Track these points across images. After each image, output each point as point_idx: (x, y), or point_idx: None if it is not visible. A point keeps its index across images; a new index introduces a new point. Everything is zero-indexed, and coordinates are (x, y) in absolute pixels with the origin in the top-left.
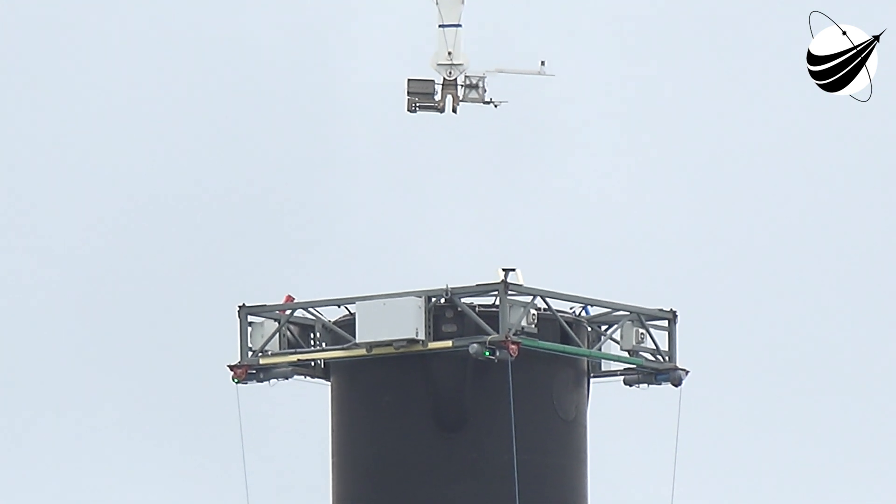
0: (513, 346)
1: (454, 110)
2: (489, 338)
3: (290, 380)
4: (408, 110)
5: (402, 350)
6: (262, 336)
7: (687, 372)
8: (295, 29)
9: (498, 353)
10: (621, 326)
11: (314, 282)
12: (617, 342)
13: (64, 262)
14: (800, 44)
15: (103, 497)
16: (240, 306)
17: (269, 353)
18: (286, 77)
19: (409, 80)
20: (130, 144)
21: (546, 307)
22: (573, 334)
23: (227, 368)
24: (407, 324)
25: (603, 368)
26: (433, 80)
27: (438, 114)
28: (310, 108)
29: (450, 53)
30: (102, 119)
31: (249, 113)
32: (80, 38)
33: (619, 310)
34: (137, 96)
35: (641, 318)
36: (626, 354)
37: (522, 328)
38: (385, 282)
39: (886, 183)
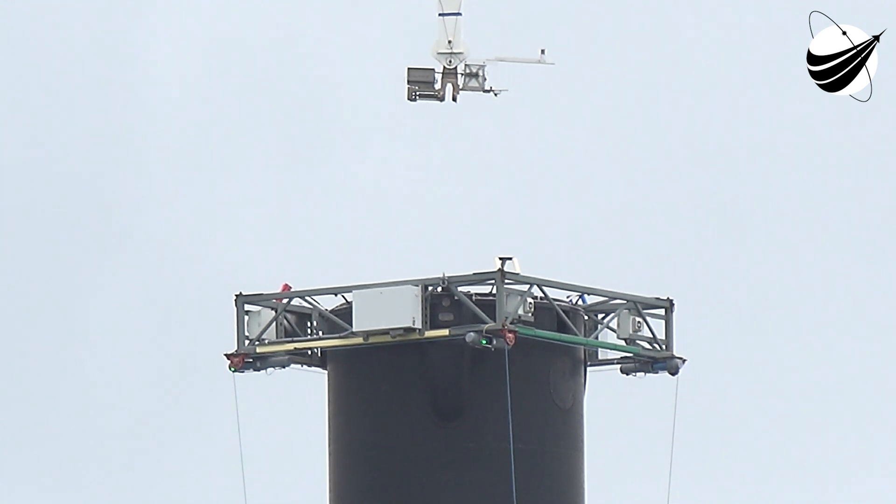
0: (509, 335)
1: (454, 99)
2: (486, 326)
3: (286, 368)
4: (408, 99)
5: (398, 338)
6: (259, 325)
7: (684, 360)
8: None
9: (495, 342)
10: (618, 315)
11: (311, 270)
12: (614, 331)
13: (62, 251)
14: (800, 44)
15: (101, 483)
16: (236, 295)
17: (266, 341)
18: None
19: (409, 68)
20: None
21: (543, 296)
22: (570, 323)
23: (224, 357)
24: (404, 312)
25: (600, 357)
26: (433, 69)
27: (438, 102)
28: (305, 101)
29: (450, 42)
30: None
31: (253, 101)
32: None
33: (615, 298)
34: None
35: (638, 306)
36: (622, 343)
37: (519, 317)
38: (382, 270)
39: (886, 182)
